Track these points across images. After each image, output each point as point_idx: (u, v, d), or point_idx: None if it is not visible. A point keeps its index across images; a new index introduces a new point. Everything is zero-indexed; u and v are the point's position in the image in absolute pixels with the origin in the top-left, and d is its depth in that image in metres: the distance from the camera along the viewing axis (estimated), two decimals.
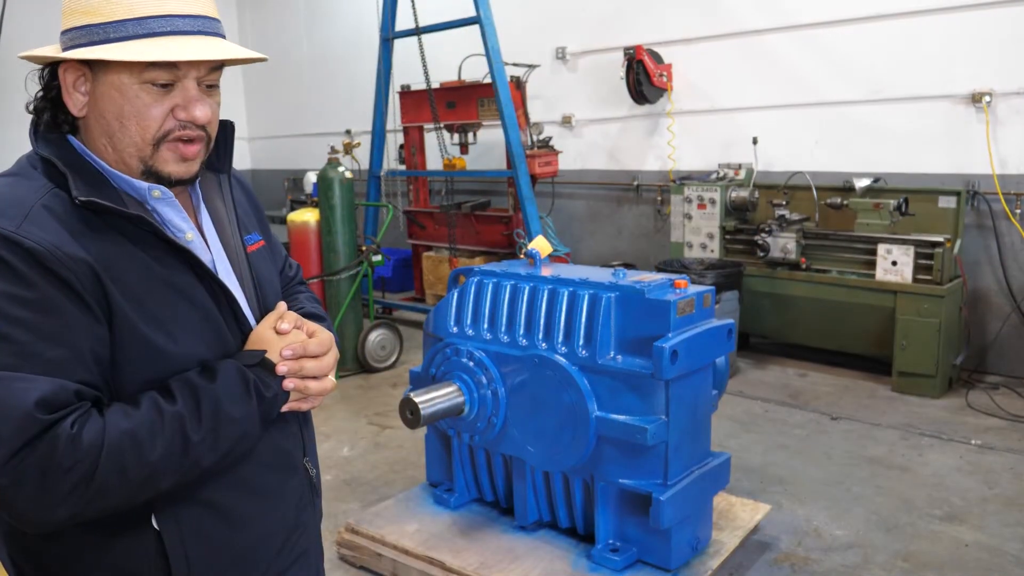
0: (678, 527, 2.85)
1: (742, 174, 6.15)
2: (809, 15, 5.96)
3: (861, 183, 5.49)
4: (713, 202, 5.97)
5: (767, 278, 5.71)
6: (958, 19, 5.34)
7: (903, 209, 5.21)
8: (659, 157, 6.97)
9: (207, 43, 1.23)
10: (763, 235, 5.63)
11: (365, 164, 7.68)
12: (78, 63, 1.22)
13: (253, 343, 1.34)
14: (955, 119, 5.43)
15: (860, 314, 5.34)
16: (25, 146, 1.28)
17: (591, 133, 7.46)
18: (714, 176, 6.20)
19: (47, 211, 1.18)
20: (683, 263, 5.75)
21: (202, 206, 1.39)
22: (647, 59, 6.49)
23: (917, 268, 5.10)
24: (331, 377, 1.39)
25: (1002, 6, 5.16)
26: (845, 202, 5.47)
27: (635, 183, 7.13)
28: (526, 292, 3.07)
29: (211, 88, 1.29)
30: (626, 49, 6.58)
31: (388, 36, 6.87)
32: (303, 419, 1.49)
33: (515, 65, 6.71)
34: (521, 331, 3.05)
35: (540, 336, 2.99)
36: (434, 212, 7.60)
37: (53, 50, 1.25)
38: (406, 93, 7.51)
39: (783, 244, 5.58)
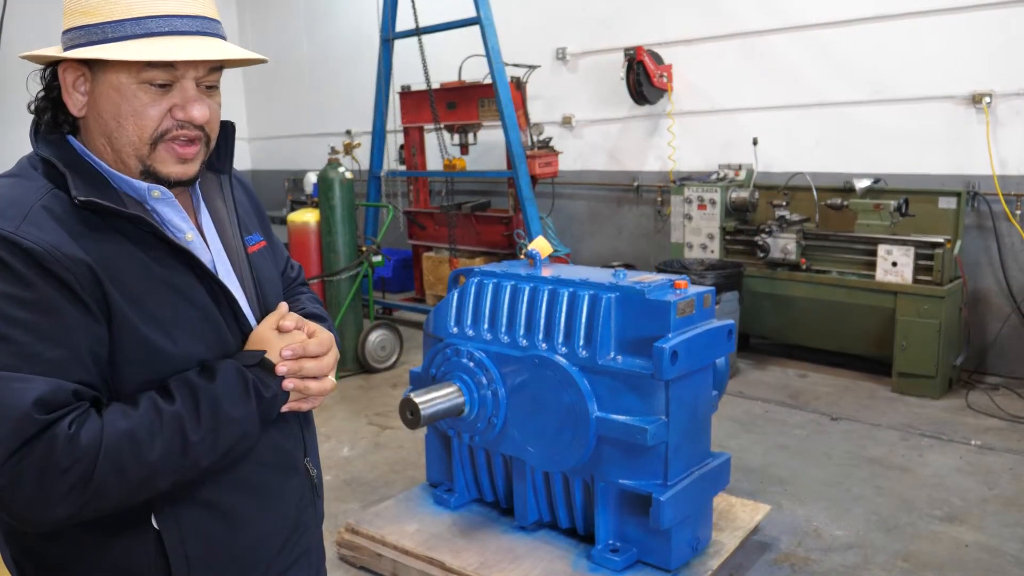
0: (678, 527, 2.85)
1: (742, 175, 6.15)
2: (809, 16, 5.96)
3: (861, 184, 5.50)
4: (713, 203, 5.97)
5: (767, 279, 5.71)
6: (958, 20, 5.34)
7: (903, 210, 5.21)
8: (659, 158, 6.97)
9: (205, 43, 1.23)
10: (763, 236, 5.63)
11: (365, 164, 7.68)
12: (77, 63, 1.22)
13: (253, 343, 1.34)
14: (955, 120, 5.43)
15: (860, 315, 5.33)
16: (26, 146, 1.28)
17: (591, 134, 7.46)
18: (714, 177, 6.20)
19: (46, 212, 1.18)
20: (683, 264, 5.76)
21: (202, 206, 1.39)
22: (647, 60, 6.49)
23: (917, 269, 5.10)
24: (331, 377, 1.39)
25: (1002, 7, 5.17)
26: (845, 203, 5.47)
27: (635, 184, 7.13)
28: (526, 293, 3.07)
29: (211, 89, 1.29)
30: (626, 50, 6.58)
31: (388, 36, 6.87)
32: (304, 419, 1.49)
33: (515, 65, 6.71)
34: (521, 331, 3.05)
35: (540, 336, 2.99)
36: (434, 212, 7.60)
37: (55, 51, 1.25)
38: (406, 93, 7.51)
39: (783, 245, 5.58)
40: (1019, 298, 5.30)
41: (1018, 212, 5.22)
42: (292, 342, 1.33)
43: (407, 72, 7.28)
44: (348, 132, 9.51)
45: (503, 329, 3.10)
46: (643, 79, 6.54)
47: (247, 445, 1.31)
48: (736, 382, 5.42)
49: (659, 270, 5.57)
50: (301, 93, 10.37)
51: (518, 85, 6.60)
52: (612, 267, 3.40)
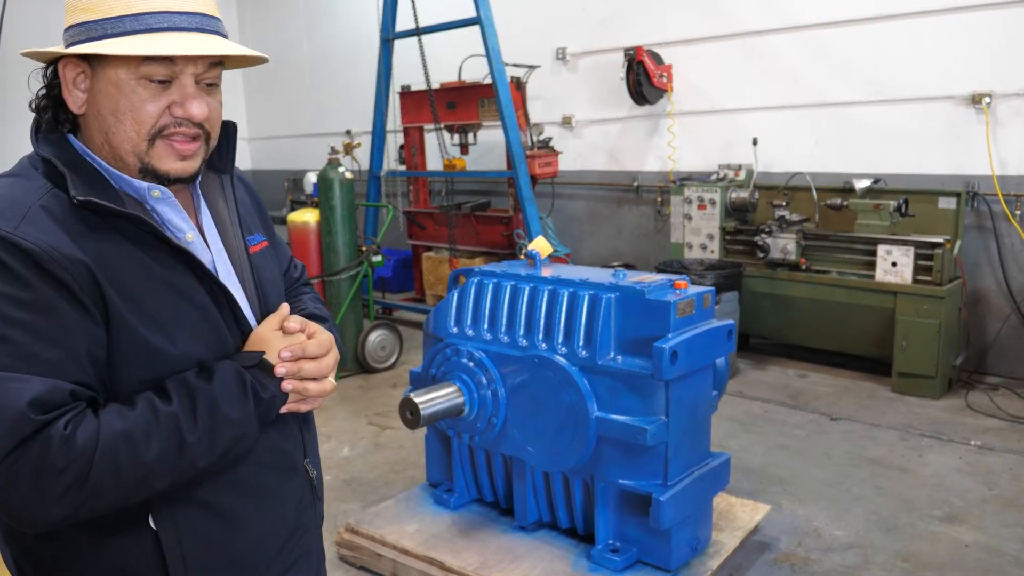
0: (678, 527, 2.85)
1: (742, 175, 6.15)
2: (809, 16, 5.96)
3: (861, 184, 5.49)
4: (713, 203, 5.97)
5: (767, 279, 5.71)
6: (958, 20, 5.34)
7: (903, 210, 5.21)
8: (659, 158, 6.97)
9: (204, 39, 1.23)
10: (763, 236, 5.63)
11: (365, 164, 7.68)
12: (77, 59, 1.23)
13: (253, 344, 1.33)
14: (955, 120, 5.43)
15: (860, 315, 5.33)
16: (26, 145, 1.28)
17: (591, 134, 7.46)
18: (714, 177, 6.20)
19: (45, 212, 1.17)
20: (683, 264, 5.75)
21: (203, 206, 1.39)
22: (647, 60, 6.49)
23: (917, 269, 5.10)
24: (331, 379, 1.38)
25: (1002, 8, 5.16)
26: (845, 203, 5.47)
27: (635, 184, 7.13)
28: (526, 293, 3.07)
29: (211, 87, 1.29)
30: (626, 50, 6.58)
31: (388, 36, 6.87)
32: (304, 420, 1.49)
33: (515, 66, 6.71)
34: (521, 331, 3.05)
35: (540, 336, 2.99)
36: (434, 212, 7.60)
37: (55, 48, 1.25)
38: (406, 93, 7.50)
39: (783, 245, 5.58)
40: (1019, 298, 5.30)
41: (1018, 212, 5.22)
42: (291, 343, 1.33)
43: (407, 72, 7.27)
44: (348, 132, 9.51)
45: (503, 329, 3.10)
46: (643, 79, 6.54)
47: (245, 446, 1.31)
48: (736, 382, 5.42)
49: (659, 270, 5.56)
50: (301, 93, 10.37)
51: (518, 85, 6.60)
52: (612, 267, 3.40)
